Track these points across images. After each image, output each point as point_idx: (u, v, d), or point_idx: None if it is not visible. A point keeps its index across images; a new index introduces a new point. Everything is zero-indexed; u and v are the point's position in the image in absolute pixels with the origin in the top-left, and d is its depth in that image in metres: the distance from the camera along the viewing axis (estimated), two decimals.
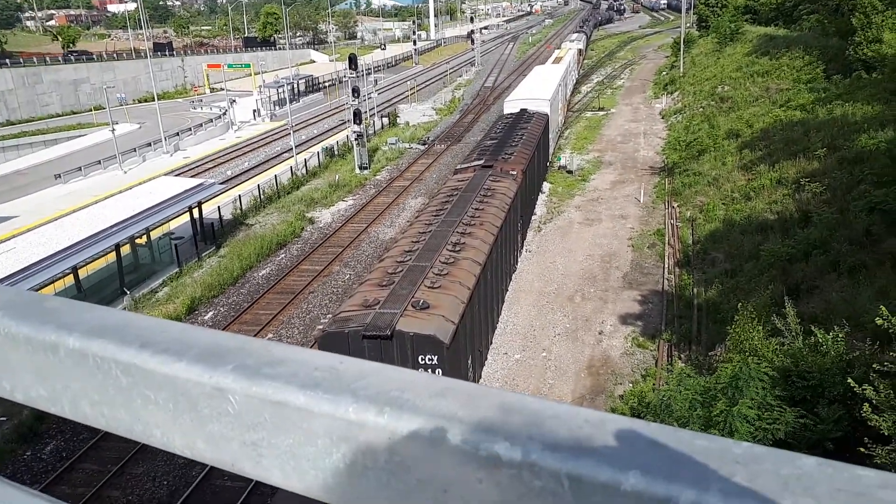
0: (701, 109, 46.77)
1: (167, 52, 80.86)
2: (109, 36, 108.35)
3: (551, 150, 40.44)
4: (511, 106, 38.85)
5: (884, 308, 10.01)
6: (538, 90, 41.08)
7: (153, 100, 53.33)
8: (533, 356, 20.45)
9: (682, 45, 68.31)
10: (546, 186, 36.61)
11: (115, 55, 73.24)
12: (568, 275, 25.82)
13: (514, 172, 25.33)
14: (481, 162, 26.76)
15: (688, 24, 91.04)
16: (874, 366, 9.83)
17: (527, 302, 23.77)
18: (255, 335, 22.30)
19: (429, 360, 13.82)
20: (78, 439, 17.54)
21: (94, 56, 70.78)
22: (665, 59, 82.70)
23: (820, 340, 12.50)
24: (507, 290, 23.87)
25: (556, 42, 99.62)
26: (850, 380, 9.83)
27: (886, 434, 8.99)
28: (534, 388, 18.87)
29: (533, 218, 31.74)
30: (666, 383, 13.50)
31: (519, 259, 26.36)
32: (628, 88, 69.37)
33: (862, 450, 9.39)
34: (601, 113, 57.07)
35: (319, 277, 26.66)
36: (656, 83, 68.31)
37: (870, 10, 39.94)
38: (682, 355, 19.26)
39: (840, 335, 12.47)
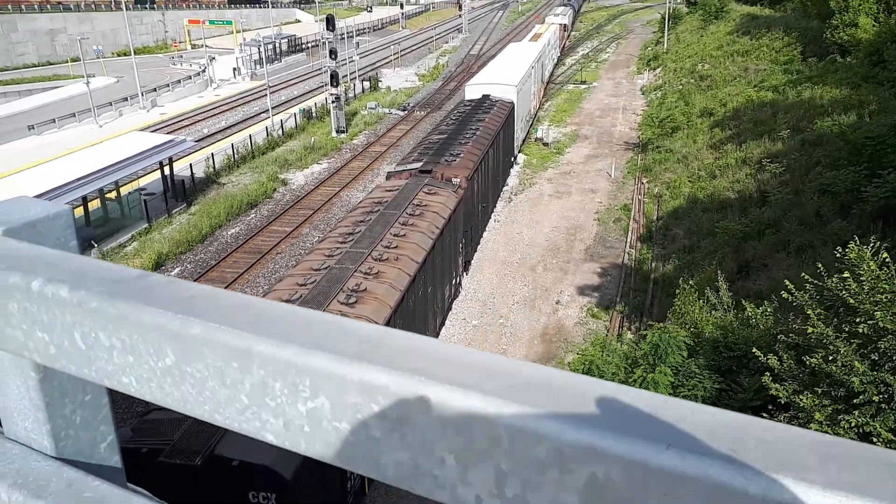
0: (680, 87, 47.09)
1: (149, 5, 79.47)
2: None
3: (518, 143, 36.25)
4: (473, 91, 34.56)
5: (788, 282, 10.56)
6: (505, 74, 36.64)
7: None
8: (490, 322, 21.01)
9: (666, 21, 68.32)
10: (521, 158, 36.92)
11: (93, 5, 71.81)
12: (533, 245, 26.32)
13: (457, 180, 21.26)
14: (419, 165, 22.45)
15: (678, 1, 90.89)
16: (779, 336, 10.42)
17: (490, 270, 24.27)
18: None
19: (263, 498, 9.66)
20: None
21: (72, 6, 69.34)
22: (652, 35, 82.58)
23: (749, 314, 13.11)
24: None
25: (545, 12, 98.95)
26: (754, 349, 10.43)
27: (784, 402, 9.61)
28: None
29: (504, 189, 32.11)
30: (594, 348, 14.10)
31: (459, 291, 22.48)
32: (613, 63, 69.39)
33: (764, 415, 10.04)
34: (583, 86, 57.19)
35: (288, 239, 26.94)
36: (640, 58, 68.39)
37: None
38: (632, 326, 19.90)
39: (769, 309, 13.08)
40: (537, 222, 28.41)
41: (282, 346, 0.73)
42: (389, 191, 20.28)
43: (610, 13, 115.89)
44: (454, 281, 21.18)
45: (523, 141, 38.24)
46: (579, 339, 20.00)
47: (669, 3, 74.39)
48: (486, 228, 27.34)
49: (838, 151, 22.04)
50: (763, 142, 28.51)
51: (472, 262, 24.51)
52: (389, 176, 23.01)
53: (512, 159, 34.30)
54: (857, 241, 9.84)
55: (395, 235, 16.44)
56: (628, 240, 26.49)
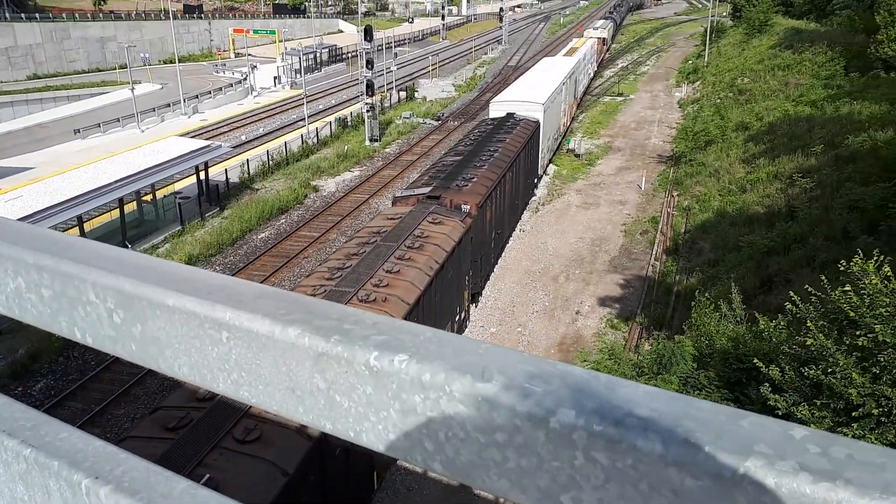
0: (718, 100, 46.53)
1: (197, 15, 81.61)
2: None
3: (543, 165, 34.41)
4: (497, 109, 32.96)
5: (792, 293, 10.41)
6: (533, 91, 34.80)
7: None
8: (508, 330, 21.05)
9: (708, 35, 67.65)
10: (551, 169, 36.87)
11: (143, 14, 74.11)
12: (557, 256, 26.28)
13: (467, 207, 19.78)
14: (427, 190, 20.94)
15: (723, 14, 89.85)
16: (783, 348, 10.28)
17: (511, 279, 24.31)
18: None
19: None
20: (67, 379, 18.54)
21: (123, 15, 71.66)
22: (694, 48, 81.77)
23: (763, 327, 12.94)
24: None
25: (587, 24, 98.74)
26: (755, 360, 10.31)
27: (782, 413, 9.47)
28: None
29: (532, 199, 32.11)
30: (601, 354, 14.06)
31: (466, 325, 20.84)
32: (652, 76, 68.91)
33: None
34: (620, 98, 56.93)
35: (315, 244, 27.38)
36: (680, 72, 67.78)
37: (894, 7, 39.44)
38: (650, 338, 19.73)
39: (782, 323, 12.90)
40: (563, 233, 28.36)
41: (60, 262, 0.97)
42: (391, 219, 18.83)
43: (653, 26, 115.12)
44: (458, 317, 19.36)
45: (549, 161, 36.98)
46: (596, 349, 19.93)
47: (713, 16, 73.65)
48: (511, 237, 27.39)
49: (870, 167, 21.62)
50: (796, 156, 28.07)
51: (494, 271, 24.57)
52: (395, 201, 21.64)
53: (535, 181, 32.96)
54: (861, 255, 9.71)
55: (387, 272, 14.92)
56: (654, 252, 26.28)
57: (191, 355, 0.83)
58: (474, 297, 21.94)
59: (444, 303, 17.33)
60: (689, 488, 0.50)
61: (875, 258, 9.62)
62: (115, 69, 59.91)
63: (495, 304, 22.40)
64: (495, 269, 24.64)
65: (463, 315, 20.15)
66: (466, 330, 20.54)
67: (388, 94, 53.94)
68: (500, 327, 21.11)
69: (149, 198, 28.31)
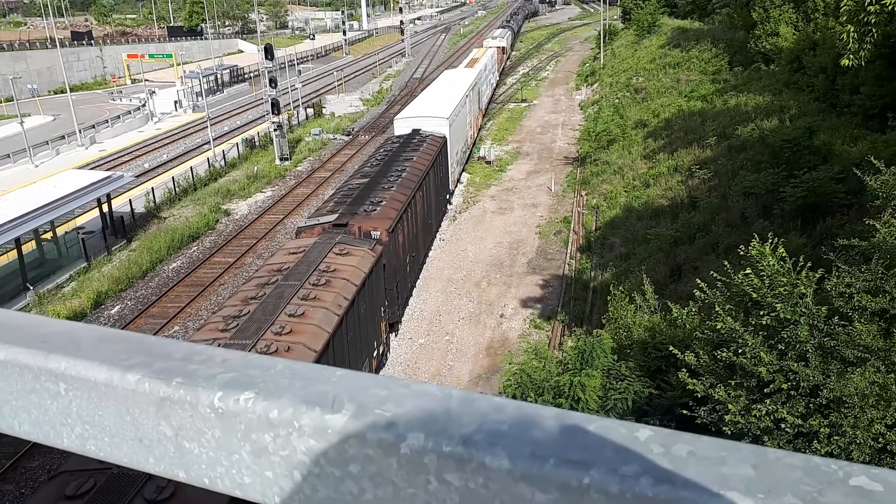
0: (616, 100, 48.38)
1: (86, 42, 78.25)
2: (25, 24, 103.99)
3: (453, 180, 33.81)
4: (402, 126, 31.94)
5: (699, 280, 11.06)
6: (437, 106, 33.83)
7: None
8: (436, 340, 21.20)
9: (602, 37, 70.19)
10: (465, 177, 37.37)
11: (27, 44, 70.49)
12: (477, 262, 26.66)
13: (377, 233, 18.87)
14: (333, 218, 19.76)
15: (614, 17, 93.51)
16: (696, 333, 10.89)
17: (435, 289, 24.49)
18: (161, 328, 22.37)
19: None
20: None
21: (4, 45, 67.93)
22: (590, 51, 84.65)
23: (676, 315, 13.59)
24: None
25: (487, 33, 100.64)
26: (671, 347, 10.87)
27: (701, 396, 10.03)
28: (434, 370, 19.63)
29: (449, 207, 32.46)
30: (527, 355, 14.44)
31: (386, 358, 19.99)
32: (552, 80, 70.90)
33: (685, 412, 10.46)
34: (524, 104, 58.29)
35: (231, 269, 26.76)
36: (578, 75, 70.03)
37: (768, 4, 42.19)
38: (572, 334, 20.30)
39: (693, 310, 13.59)
40: (481, 239, 28.81)
41: None
42: (294, 253, 17.24)
43: (549, 32, 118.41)
44: (375, 352, 18.29)
45: (460, 175, 36.64)
46: (523, 350, 20.33)
47: (605, 19, 76.54)
48: (432, 247, 27.58)
49: (760, 155, 23.03)
50: (693, 149, 29.55)
51: (418, 283, 24.67)
52: (299, 232, 20.17)
53: (448, 197, 32.40)
54: (758, 239, 10.42)
55: (290, 316, 13.45)
56: (568, 251, 27.05)
57: (30, 412, 0.77)
58: (393, 327, 20.99)
59: (358, 341, 16.12)
60: (539, 503, 0.49)
61: (770, 240, 10.34)
62: (1, 102, 56.75)
63: (421, 315, 22.51)
64: (419, 280, 24.75)
65: (382, 349, 19.08)
66: (387, 362, 19.90)
67: (296, 112, 53.36)
68: (427, 338, 21.23)
69: (49, 236, 26.95)
